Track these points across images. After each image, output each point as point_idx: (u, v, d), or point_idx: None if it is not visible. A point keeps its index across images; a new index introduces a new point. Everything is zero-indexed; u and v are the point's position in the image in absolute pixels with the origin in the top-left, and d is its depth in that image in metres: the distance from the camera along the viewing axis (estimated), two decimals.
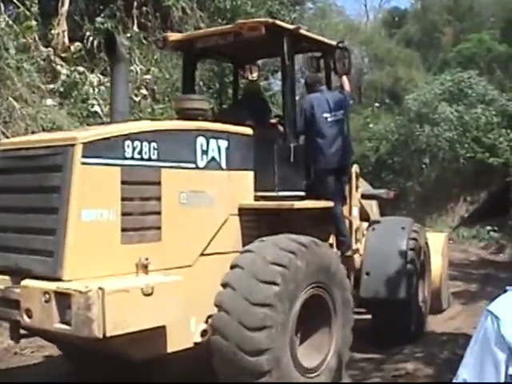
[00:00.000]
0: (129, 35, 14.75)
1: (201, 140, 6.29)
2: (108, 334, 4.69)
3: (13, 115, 11.33)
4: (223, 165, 6.54)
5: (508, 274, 15.53)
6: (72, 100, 12.70)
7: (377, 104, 30.35)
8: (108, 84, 13.55)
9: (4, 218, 5.72)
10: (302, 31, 7.59)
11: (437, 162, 25.55)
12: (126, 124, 5.86)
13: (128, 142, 5.47)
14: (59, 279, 4.97)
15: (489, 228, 22.72)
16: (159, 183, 5.75)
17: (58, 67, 13.09)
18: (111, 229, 5.32)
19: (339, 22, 34.39)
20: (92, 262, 5.16)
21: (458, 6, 34.44)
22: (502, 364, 2.07)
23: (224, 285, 5.91)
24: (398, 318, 8.55)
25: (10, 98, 11.37)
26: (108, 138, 5.37)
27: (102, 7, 15.41)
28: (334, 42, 8.22)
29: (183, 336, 5.81)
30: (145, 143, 5.61)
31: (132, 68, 14.29)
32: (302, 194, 7.21)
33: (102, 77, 13.67)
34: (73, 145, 5.12)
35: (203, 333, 5.99)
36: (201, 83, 14.97)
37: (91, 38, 14.27)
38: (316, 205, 7.34)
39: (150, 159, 5.66)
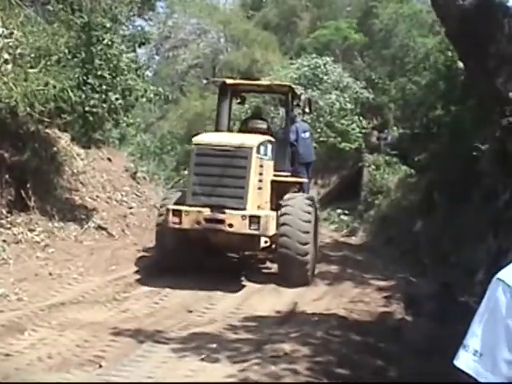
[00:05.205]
0: None
1: (269, 145, 12.32)
2: (270, 234, 11.18)
3: None
4: (271, 157, 12.43)
5: (363, 255, 16.19)
6: None
7: None
8: None
9: (208, 180, 11.20)
10: (296, 90, 13.93)
11: None
12: (258, 137, 12.12)
13: (260, 146, 11.73)
14: (244, 209, 10.92)
15: (339, 211, 23.43)
16: (263, 166, 11.82)
17: None
18: (256, 186, 11.48)
19: (199, 1, 34.14)
20: (253, 202, 11.31)
21: None
22: None
23: (283, 224, 11.32)
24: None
25: None
26: (258, 145, 11.62)
27: None
28: (299, 92, 14.73)
29: (263, 241, 11.61)
30: (261, 146, 11.80)
31: None
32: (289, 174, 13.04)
33: None
34: (251, 148, 11.33)
35: (265, 242, 11.68)
36: (66, 51, 14.32)
37: None
38: (304, 180, 13.54)
39: (262, 154, 11.84)
